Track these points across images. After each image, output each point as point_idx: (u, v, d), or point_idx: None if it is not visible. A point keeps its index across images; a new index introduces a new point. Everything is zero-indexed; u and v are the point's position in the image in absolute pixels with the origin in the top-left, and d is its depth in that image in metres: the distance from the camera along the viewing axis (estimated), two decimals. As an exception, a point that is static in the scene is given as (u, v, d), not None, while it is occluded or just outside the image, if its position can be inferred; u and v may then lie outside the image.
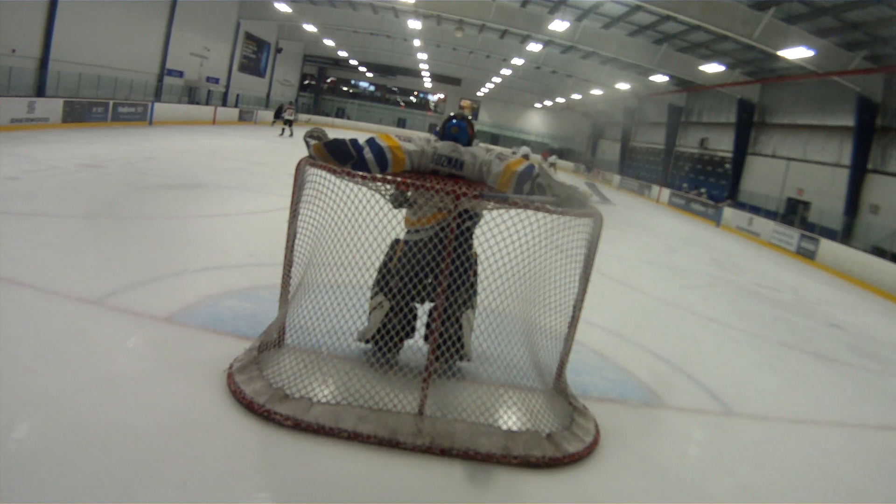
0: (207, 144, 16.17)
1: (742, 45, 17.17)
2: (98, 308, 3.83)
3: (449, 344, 3.37)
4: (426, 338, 3.63)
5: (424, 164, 3.41)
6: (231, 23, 27.19)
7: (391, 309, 3.47)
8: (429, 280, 3.33)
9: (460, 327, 3.44)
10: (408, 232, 3.46)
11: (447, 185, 2.92)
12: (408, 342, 3.68)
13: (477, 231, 3.44)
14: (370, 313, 3.58)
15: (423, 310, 3.69)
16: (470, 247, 3.44)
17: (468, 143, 3.56)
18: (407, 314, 3.46)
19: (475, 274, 3.57)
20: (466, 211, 3.15)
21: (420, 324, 3.64)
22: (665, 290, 7.91)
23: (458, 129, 3.53)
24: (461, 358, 3.52)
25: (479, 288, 3.55)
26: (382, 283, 3.50)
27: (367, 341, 3.58)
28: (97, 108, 15.91)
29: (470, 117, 4.07)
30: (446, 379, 3.49)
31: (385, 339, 3.50)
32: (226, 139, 18.58)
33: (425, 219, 3.35)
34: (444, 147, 3.41)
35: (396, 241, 3.47)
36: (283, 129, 24.16)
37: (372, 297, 3.58)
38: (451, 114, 3.70)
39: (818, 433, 4.06)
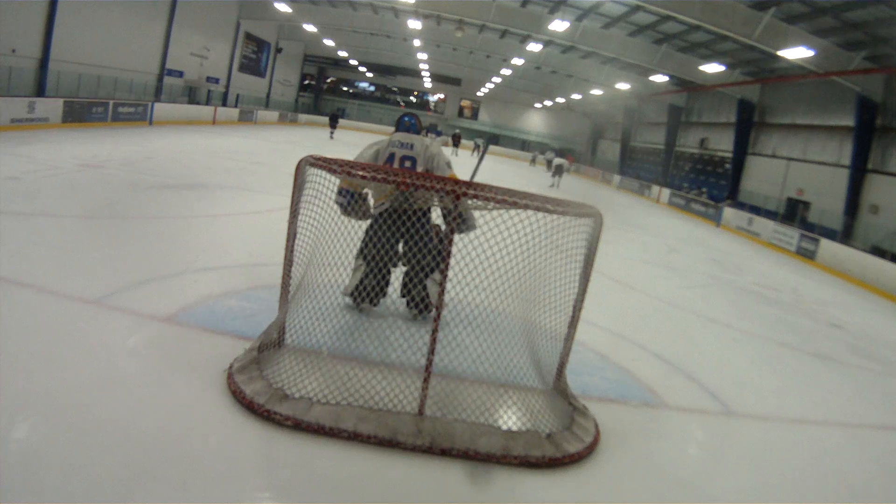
0: (207, 144, 16.17)
1: (742, 45, 17.17)
2: (98, 308, 3.82)
3: (419, 300, 4.36)
4: (403, 295, 4.54)
5: (384, 154, 4.36)
6: (231, 23, 27.20)
7: (367, 272, 4.28)
8: (394, 248, 4.20)
9: (425, 287, 4.32)
10: (374, 208, 4.21)
11: (447, 184, 2.93)
12: (405, 334, 3.86)
13: (477, 231, 3.47)
14: (353, 273, 4.39)
15: (395, 275, 4.57)
16: (428, 220, 4.00)
17: (417, 132, 4.59)
18: (377, 276, 4.33)
19: (441, 241, 3.99)
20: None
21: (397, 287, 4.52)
22: (665, 290, 7.91)
23: (410, 124, 4.57)
24: (429, 311, 4.32)
25: (470, 278, 3.57)
26: (362, 249, 4.27)
27: (349, 295, 4.34)
28: (97, 108, 15.90)
29: (418, 113, 5.09)
30: (447, 379, 3.49)
31: (362, 295, 4.31)
32: (226, 139, 18.57)
33: (377, 199, 4.16)
34: (398, 134, 4.46)
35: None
36: (477, 160, 23.33)
37: (355, 260, 4.29)
38: (404, 111, 4.43)
39: (818, 433, 4.06)
